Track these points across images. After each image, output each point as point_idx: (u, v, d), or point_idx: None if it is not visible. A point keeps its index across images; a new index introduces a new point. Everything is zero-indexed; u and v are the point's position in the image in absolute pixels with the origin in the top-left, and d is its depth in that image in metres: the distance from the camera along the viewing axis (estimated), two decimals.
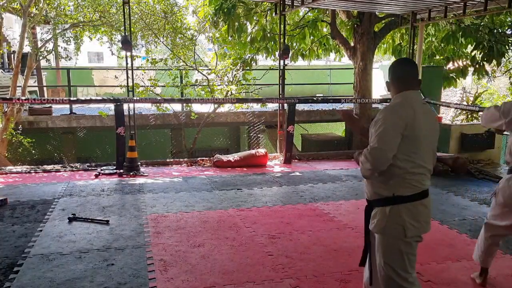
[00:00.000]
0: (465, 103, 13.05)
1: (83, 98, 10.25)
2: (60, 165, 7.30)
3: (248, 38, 9.54)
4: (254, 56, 10.09)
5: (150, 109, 10.19)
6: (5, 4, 9.27)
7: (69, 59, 10.77)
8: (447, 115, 12.71)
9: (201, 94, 10.49)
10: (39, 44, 10.11)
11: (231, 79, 10.27)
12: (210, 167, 7.36)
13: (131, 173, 6.66)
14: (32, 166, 7.23)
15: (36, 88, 13.07)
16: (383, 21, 9.18)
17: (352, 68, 9.38)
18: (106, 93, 13.55)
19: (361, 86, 9.04)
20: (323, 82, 15.80)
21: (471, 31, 8.95)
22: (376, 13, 8.75)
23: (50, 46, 10.37)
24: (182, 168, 7.31)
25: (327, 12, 9.45)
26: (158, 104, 9.53)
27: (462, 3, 6.93)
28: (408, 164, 2.32)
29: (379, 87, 13.89)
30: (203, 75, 10.45)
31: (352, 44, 9.10)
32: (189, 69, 10.69)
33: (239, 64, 10.08)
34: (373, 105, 9.60)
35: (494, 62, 9.29)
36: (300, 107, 9.79)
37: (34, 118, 9.89)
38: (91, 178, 6.47)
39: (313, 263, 3.68)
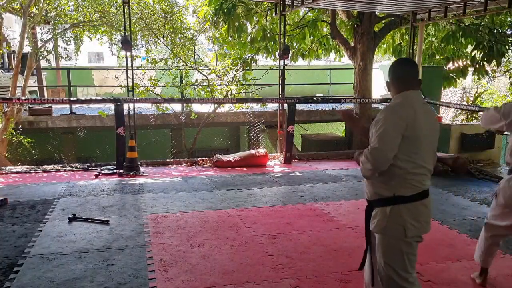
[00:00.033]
0: (465, 103, 13.05)
1: (83, 98, 10.25)
2: (60, 165, 7.30)
3: (248, 38, 9.54)
4: (254, 56, 10.08)
5: (150, 109, 10.19)
6: (5, 4, 9.27)
7: (69, 59, 10.77)
8: (447, 115, 12.71)
9: (201, 94, 10.49)
10: (39, 44, 10.11)
11: (231, 79, 10.27)
12: (210, 167, 7.36)
13: (131, 173, 6.66)
14: (32, 166, 7.23)
15: (36, 88, 13.07)
16: (383, 21, 9.19)
17: (352, 68, 9.39)
18: (106, 93, 13.55)
19: (361, 86, 9.04)
20: (323, 82, 15.79)
21: (471, 31, 8.95)
22: (376, 13, 8.75)
23: (50, 46, 10.37)
24: (182, 168, 7.31)
25: (327, 12, 9.45)
26: (158, 104, 9.53)
27: (462, 3, 6.93)
28: (408, 164, 2.32)
29: (379, 87, 13.90)
30: (203, 75, 10.45)
31: (352, 44, 9.11)
32: (189, 69, 10.69)
33: (239, 64, 10.08)
34: (373, 105, 9.61)
35: (494, 62, 9.29)
36: (300, 107, 9.78)
37: (34, 118, 9.89)
38: (91, 178, 6.47)
39: (313, 263, 3.68)
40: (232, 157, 7.51)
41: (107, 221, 4.54)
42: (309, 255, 3.82)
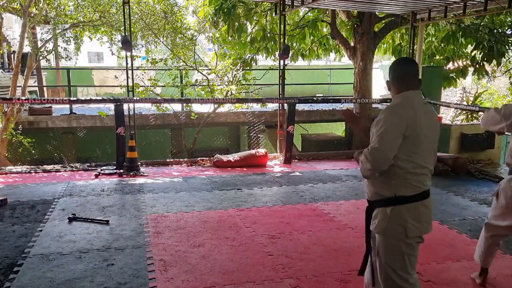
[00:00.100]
0: (465, 103, 13.05)
1: (83, 98, 10.25)
2: (60, 165, 7.30)
3: (248, 38, 9.54)
4: (254, 56, 10.08)
5: (150, 109, 10.19)
6: (5, 4, 9.27)
7: (69, 59, 10.76)
8: (447, 115, 12.72)
9: (201, 94, 10.49)
10: (39, 44, 10.10)
11: (231, 79, 10.27)
12: (210, 167, 7.36)
13: (131, 173, 6.66)
14: (32, 166, 7.23)
15: (36, 88, 13.07)
16: (383, 21, 9.19)
17: (352, 68, 9.39)
18: (106, 93, 13.54)
19: (361, 86, 9.04)
20: (323, 82, 15.79)
21: (471, 31, 8.95)
22: (376, 13, 8.75)
23: (50, 46, 10.37)
24: (182, 168, 7.31)
25: (327, 12, 9.45)
26: (158, 104, 9.52)
27: (462, 3, 6.93)
28: (409, 164, 2.32)
29: (379, 87, 13.90)
30: (203, 75, 10.45)
31: (352, 44, 9.11)
32: (189, 69, 10.69)
33: (239, 64, 10.08)
34: (373, 105, 9.61)
35: (494, 62, 9.29)
36: (300, 107, 9.78)
37: (34, 118, 9.89)
38: (91, 178, 6.47)
39: (313, 263, 3.68)
40: (232, 157, 7.51)
41: (107, 221, 4.54)
42: (309, 255, 3.82)
